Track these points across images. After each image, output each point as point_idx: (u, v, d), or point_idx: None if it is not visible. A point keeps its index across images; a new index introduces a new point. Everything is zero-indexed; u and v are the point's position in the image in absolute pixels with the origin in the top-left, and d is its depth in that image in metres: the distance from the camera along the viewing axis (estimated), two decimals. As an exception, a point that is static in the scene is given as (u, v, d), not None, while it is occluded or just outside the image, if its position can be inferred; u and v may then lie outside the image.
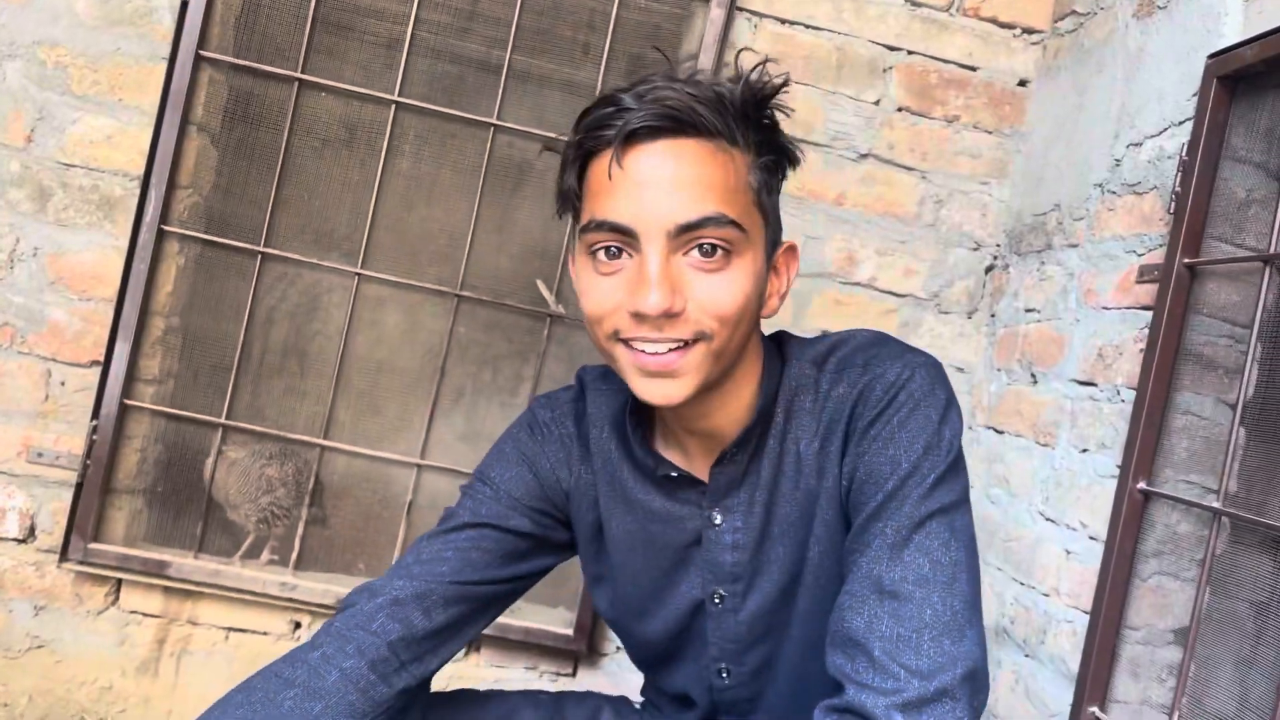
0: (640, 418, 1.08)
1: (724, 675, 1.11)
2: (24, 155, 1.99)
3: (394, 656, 1.02)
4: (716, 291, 0.91)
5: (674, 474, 1.05)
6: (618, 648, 2.16)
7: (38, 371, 2.02)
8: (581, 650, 2.13)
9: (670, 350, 0.91)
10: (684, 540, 1.07)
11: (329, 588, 2.06)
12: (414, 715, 1.09)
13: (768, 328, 1.07)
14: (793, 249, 1.02)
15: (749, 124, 0.93)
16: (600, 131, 0.91)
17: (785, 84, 0.94)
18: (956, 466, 0.95)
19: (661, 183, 0.89)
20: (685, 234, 0.89)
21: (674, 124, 0.89)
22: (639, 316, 0.90)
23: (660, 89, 0.90)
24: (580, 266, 0.97)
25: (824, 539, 1.01)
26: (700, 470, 1.05)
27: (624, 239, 0.91)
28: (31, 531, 2.03)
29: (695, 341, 0.92)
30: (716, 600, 1.07)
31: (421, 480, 2.15)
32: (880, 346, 1.01)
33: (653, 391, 0.94)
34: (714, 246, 0.90)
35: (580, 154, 0.95)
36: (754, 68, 0.93)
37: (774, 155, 0.96)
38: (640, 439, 1.07)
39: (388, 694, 1.02)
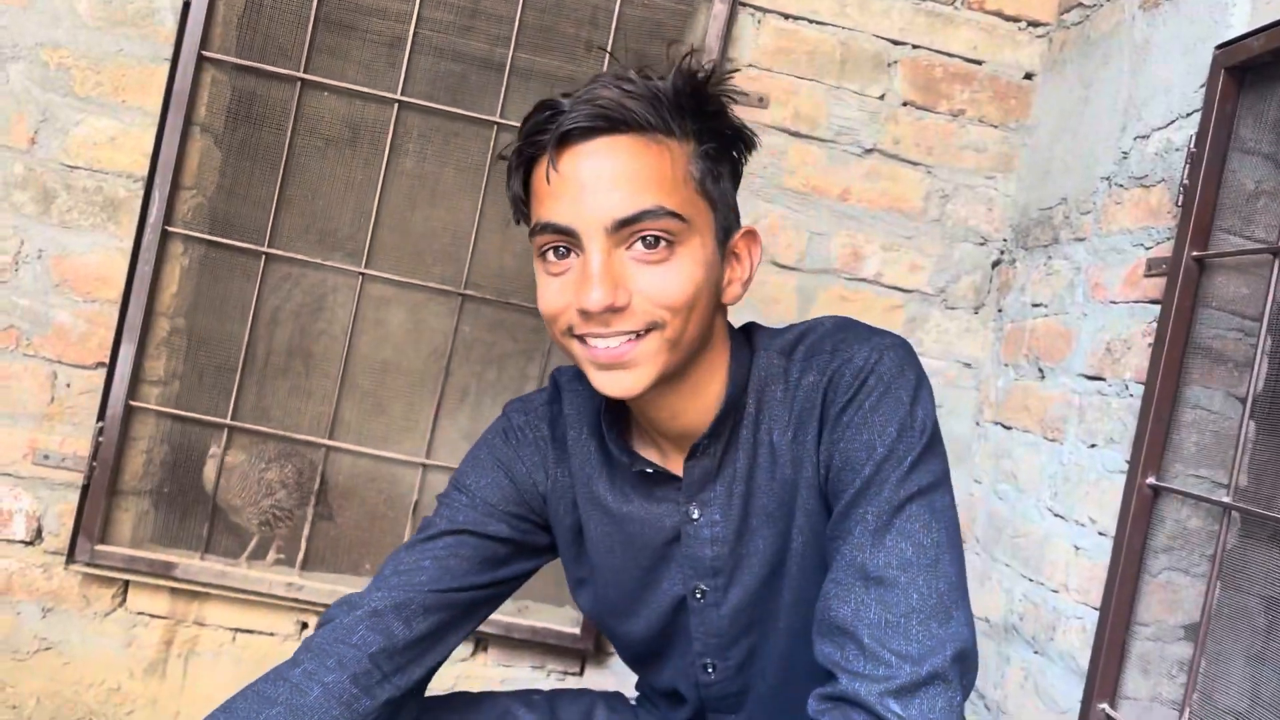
0: (616, 416, 1.08)
1: (709, 670, 1.11)
2: (27, 157, 1.99)
3: (376, 669, 1.02)
4: (662, 282, 0.92)
5: (649, 470, 1.05)
6: (625, 646, 2.15)
7: (43, 374, 2.02)
8: (588, 649, 2.13)
9: (623, 342, 0.92)
10: (663, 538, 1.07)
11: (335, 588, 2.06)
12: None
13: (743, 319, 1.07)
14: (752, 234, 1.02)
15: (685, 114, 0.94)
16: (537, 136, 0.93)
17: (715, 71, 0.95)
18: (932, 447, 0.95)
19: (597, 181, 0.91)
20: (624, 228, 0.90)
21: (607, 122, 0.91)
22: (585, 314, 0.91)
23: (595, 89, 0.92)
24: (535, 268, 0.98)
25: (807, 529, 1.01)
26: (677, 467, 1.05)
27: (567, 239, 0.93)
28: (38, 534, 2.03)
29: (648, 332, 0.92)
30: (698, 595, 1.07)
31: (427, 480, 2.15)
32: (847, 331, 1.01)
33: (609, 384, 0.95)
34: (656, 238, 0.91)
35: (522, 160, 0.97)
36: (684, 56, 0.94)
37: (716, 143, 0.96)
38: (615, 437, 1.07)
39: (371, 706, 1.01)
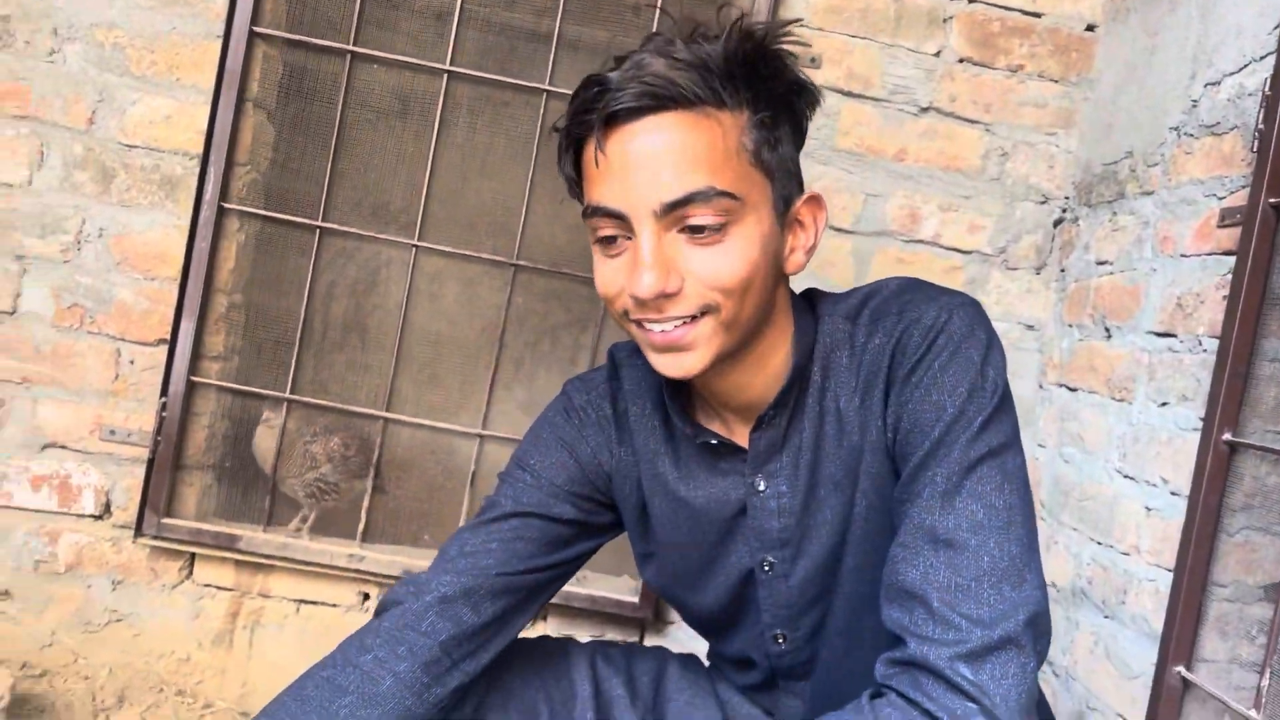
0: (678, 389, 1.06)
1: (779, 641, 1.09)
2: (86, 137, 2.02)
3: (446, 656, 1.02)
4: (715, 264, 0.89)
5: (714, 441, 1.03)
6: (684, 615, 2.14)
7: (107, 351, 2.05)
8: (648, 618, 2.12)
9: (677, 325, 0.90)
10: (729, 511, 1.06)
11: (395, 559, 2.08)
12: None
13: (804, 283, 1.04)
14: (816, 199, 0.98)
15: (737, 83, 0.90)
16: (585, 116, 0.91)
17: (766, 35, 0.90)
18: (1004, 407, 0.92)
19: (644, 163, 0.88)
20: (673, 211, 0.88)
21: (654, 100, 0.87)
22: (638, 300, 0.89)
23: (643, 59, 0.89)
24: (591, 248, 0.96)
25: (870, 492, 0.99)
26: (742, 439, 1.04)
27: (619, 222, 0.90)
28: (107, 508, 2.07)
29: (703, 315, 0.90)
30: (766, 568, 1.06)
31: (484, 451, 2.15)
32: (914, 291, 0.98)
33: (668, 365, 0.93)
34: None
35: (571, 140, 0.95)
36: (734, 23, 0.89)
37: (772, 109, 0.92)
38: (679, 410, 1.05)
39: (442, 694, 1.02)
